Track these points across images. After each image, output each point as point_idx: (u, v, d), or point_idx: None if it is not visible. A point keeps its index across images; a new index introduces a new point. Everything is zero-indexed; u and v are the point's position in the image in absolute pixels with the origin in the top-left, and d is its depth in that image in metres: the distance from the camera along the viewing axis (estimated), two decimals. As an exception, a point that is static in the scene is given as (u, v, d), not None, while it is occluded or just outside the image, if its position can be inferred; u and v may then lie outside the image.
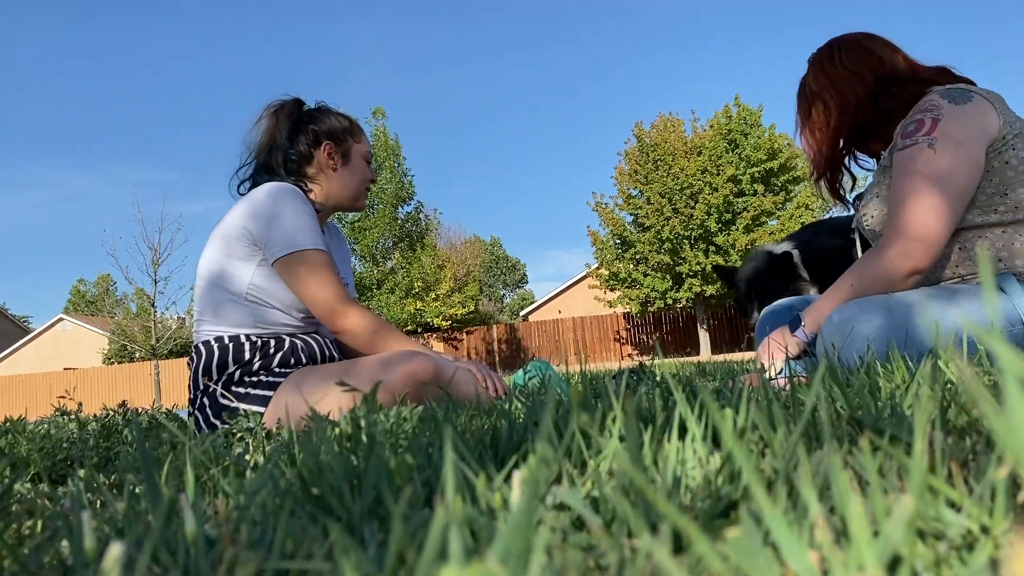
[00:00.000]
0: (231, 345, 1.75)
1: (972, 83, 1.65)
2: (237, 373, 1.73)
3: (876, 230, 1.68)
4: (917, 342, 1.37)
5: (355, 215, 19.16)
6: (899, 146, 1.54)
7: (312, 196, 1.94)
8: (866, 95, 1.67)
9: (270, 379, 1.72)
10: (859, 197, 1.81)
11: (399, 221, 20.01)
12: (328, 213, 2.04)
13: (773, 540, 0.34)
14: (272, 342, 1.77)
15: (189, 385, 1.81)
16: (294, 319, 1.82)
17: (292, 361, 1.77)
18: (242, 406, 1.69)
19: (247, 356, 1.74)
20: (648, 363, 1.83)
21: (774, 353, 1.57)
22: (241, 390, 1.71)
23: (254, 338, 1.76)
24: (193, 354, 1.82)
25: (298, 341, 1.80)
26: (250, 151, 1.97)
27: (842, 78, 1.69)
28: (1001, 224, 1.52)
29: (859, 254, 1.84)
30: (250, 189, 1.90)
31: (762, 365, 1.55)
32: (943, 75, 1.66)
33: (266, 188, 1.79)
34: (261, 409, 1.68)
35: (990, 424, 0.29)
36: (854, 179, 1.85)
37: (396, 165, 19.93)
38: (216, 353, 1.75)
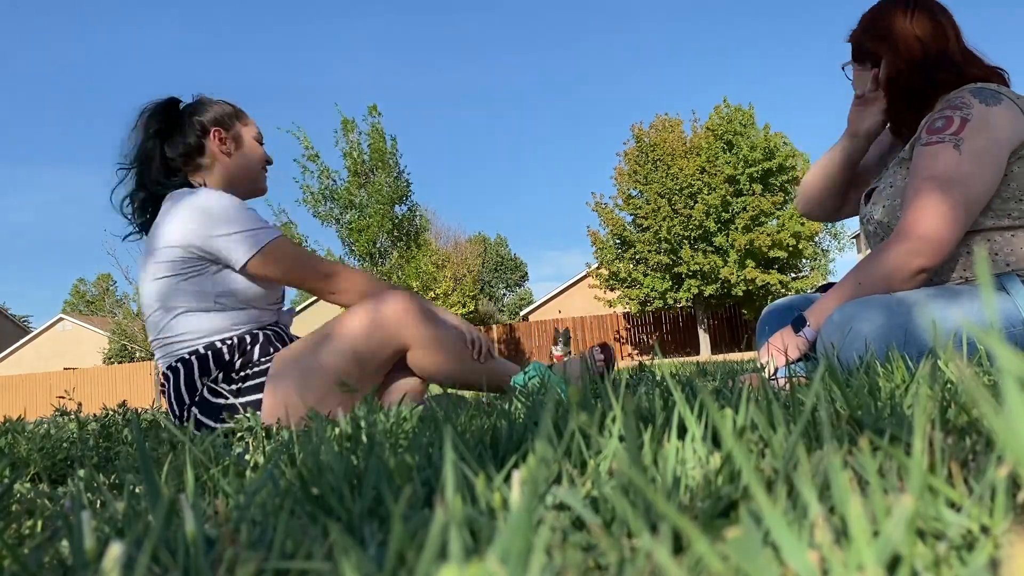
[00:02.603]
0: (209, 353, 1.74)
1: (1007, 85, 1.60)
2: (221, 376, 1.74)
3: (885, 222, 1.64)
4: (918, 342, 1.36)
5: (352, 214, 19.15)
6: (923, 141, 1.51)
7: (211, 186, 1.92)
8: (917, 59, 1.62)
9: (256, 370, 1.74)
10: (867, 195, 1.77)
11: (396, 220, 19.97)
12: None
13: (773, 540, 0.34)
14: (247, 338, 1.78)
15: (171, 403, 1.77)
16: (268, 310, 1.86)
17: (271, 350, 1.79)
18: (239, 401, 1.70)
19: (227, 358, 1.75)
20: (648, 362, 1.82)
21: (774, 355, 1.55)
22: (233, 387, 1.73)
23: (230, 340, 1.77)
24: (169, 374, 1.77)
25: (269, 332, 1.83)
26: (133, 161, 1.91)
27: (908, 33, 1.63)
28: (1011, 228, 1.50)
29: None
30: (149, 198, 1.88)
31: (762, 365, 1.54)
32: (992, 77, 1.60)
33: (190, 202, 1.76)
34: (259, 396, 1.70)
35: (990, 424, 0.29)
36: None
37: (392, 163, 19.83)
38: (196, 365, 1.74)
